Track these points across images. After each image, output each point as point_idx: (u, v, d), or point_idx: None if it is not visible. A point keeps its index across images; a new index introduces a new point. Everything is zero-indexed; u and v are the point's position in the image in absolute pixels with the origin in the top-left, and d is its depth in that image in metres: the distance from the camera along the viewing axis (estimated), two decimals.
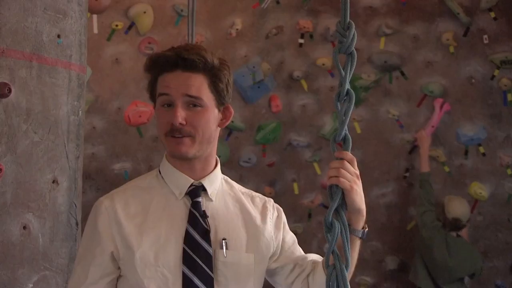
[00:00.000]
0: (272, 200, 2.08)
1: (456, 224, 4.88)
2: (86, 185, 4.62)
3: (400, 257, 5.36)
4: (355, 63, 1.62)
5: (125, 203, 1.89)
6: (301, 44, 5.30)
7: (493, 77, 5.29)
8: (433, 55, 5.33)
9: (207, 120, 1.86)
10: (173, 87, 1.84)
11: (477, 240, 5.26)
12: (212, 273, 1.84)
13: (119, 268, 1.87)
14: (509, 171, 5.30)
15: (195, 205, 1.89)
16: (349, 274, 1.61)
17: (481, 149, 5.33)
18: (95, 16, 4.93)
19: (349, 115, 1.63)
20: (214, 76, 1.88)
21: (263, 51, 5.29)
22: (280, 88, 5.31)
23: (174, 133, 1.83)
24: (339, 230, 1.59)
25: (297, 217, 5.30)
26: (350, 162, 1.70)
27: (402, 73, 5.35)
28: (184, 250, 1.83)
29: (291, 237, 2.06)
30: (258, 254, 1.93)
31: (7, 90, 2.36)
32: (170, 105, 1.85)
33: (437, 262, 4.79)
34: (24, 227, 2.44)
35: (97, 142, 5.05)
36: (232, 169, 5.20)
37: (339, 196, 1.63)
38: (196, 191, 1.91)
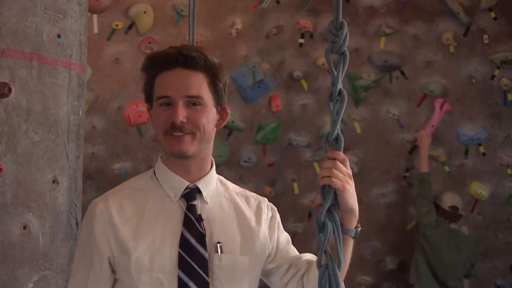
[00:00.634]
0: (266, 200, 2.06)
1: (454, 213, 4.94)
2: (86, 185, 4.62)
3: (400, 257, 5.36)
4: (347, 63, 1.62)
5: (120, 205, 1.87)
6: (301, 44, 5.30)
7: (493, 77, 5.29)
8: (433, 55, 5.33)
9: (207, 118, 1.85)
10: (173, 88, 1.82)
11: (477, 240, 5.26)
12: (208, 277, 1.83)
13: (113, 271, 1.86)
14: (509, 171, 5.31)
15: (191, 209, 1.87)
16: (342, 274, 1.60)
17: (481, 149, 5.33)
18: (95, 16, 4.93)
19: (341, 115, 1.62)
20: (213, 75, 1.87)
21: (263, 51, 5.29)
22: (280, 88, 5.31)
23: (175, 131, 1.81)
24: (332, 229, 1.58)
25: (297, 217, 5.31)
26: (343, 162, 1.68)
27: (402, 73, 5.35)
28: (179, 254, 1.82)
29: (285, 237, 2.05)
30: (253, 256, 1.92)
31: (7, 90, 2.36)
32: (169, 104, 1.83)
33: (444, 260, 4.81)
34: (24, 227, 2.44)
35: (97, 142, 5.05)
36: (232, 169, 5.20)
37: (331, 196, 1.63)
38: (191, 194, 1.89)
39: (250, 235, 1.94)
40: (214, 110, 1.88)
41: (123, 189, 1.95)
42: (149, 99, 1.91)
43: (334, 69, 1.61)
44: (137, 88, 5.12)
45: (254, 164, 5.29)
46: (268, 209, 2.03)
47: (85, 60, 2.78)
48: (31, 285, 2.46)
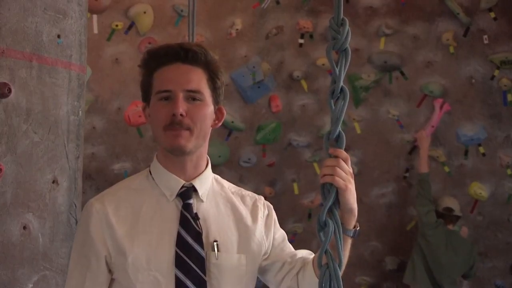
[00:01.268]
0: (262, 198, 2.06)
1: (449, 214, 4.97)
2: (86, 185, 4.62)
3: (400, 257, 5.36)
4: (349, 60, 1.60)
5: (116, 205, 1.87)
6: (301, 44, 5.30)
7: (493, 77, 5.29)
8: (433, 55, 5.33)
9: (205, 115, 1.84)
10: (173, 82, 1.82)
11: (477, 240, 5.27)
12: (205, 276, 1.83)
13: (110, 271, 1.86)
14: (509, 171, 5.31)
15: (187, 207, 1.87)
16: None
17: (481, 149, 5.33)
18: (95, 16, 4.93)
19: (343, 113, 1.60)
20: (212, 72, 1.87)
21: (263, 51, 5.29)
22: (280, 88, 5.31)
23: (174, 125, 1.80)
24: (333, 229, 1.57)
25: (297, 217, 5.31)
26: (345, 161, 1.67)
27: (402, 73, 5.35)
28: (176, 253, 1.82)
29: (281, 234, 2.04)
30: (249, 255, 1.92)
31: (7, 90, 2.36)
32: (168, 98, 1.83)
33: (442, 260, 4.82)
34: (24, 227, 2.44)
35: (97, 142, 5.05)
36: (232, 169, 5.20)
37: (333, 195, 1.62)
38: (187, 193, 1.88)
39: (247, 233, 1.93)
40: (212, 108, 1.88)
41: (119, 189, 1.95)
42: (146, 95, 1.90)
43: (335, 67, 1.60)
44: (137, 88, 5.08)
45: (254, 165, 5.29)
46: (264, 207, 2.02)
47: (85, 60, 2.78)
48: (31, 285, 2.46)
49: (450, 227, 4.99)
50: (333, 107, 1.60)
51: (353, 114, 5.27)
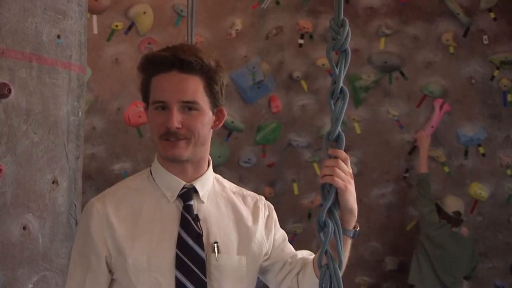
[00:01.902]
0: (263, 198, 2.05)
1: (457, 218, 4.96)
2: (86, 186, 4.62)
3: (400, 257, 5.36)
4: (349, 61, 1.60)
5: (116, 205, 1.87)
6: (301, 45, 5.30)
7: (493, 77, 5.29)
8: (433, 56, 5.33)
9: (202, 123, 1.84)
10: (169, 92, 1.81)
11: (477, 240, 5.27)
12: (205, 277, 1.83)
13: (110, 271, 1.86)
14: (508, 172, 5.31)
15: (187, 209, 1.87)
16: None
17: (481, 150, 5.33)
18: (95, 17, 4.93)
19: (343, 113, 1.60)
20: (210, 78, 1.85)
21: (263, 52, 5.29)
22: (280, 89, 5.32)
23: (169, 136, 1.81)
24: (333, 229, 1.57)
25: (297, 217, 5.31)
26: (344, 161, 1.66)
27: (402, 74, 5.35)
28: (177, 254, 1.82)
29: (281, 235, 2.04)
30: (250, 256, 1.92)
31: (7, 90, 2.36)
32: (164, 108, 1.82)
33: (447, 260, 4.83)
34: (24, 228, 2.44)
35: (97, 142, 5.05)
36: (232, 169, 5.20)
37: (332, 195, 1.62)
38: (188, 194, 1.88)
39: (247, 234, 1.93)
40: (210, 113, 1.87)
41: (120, 189, 1.95)
42: (145, 98, 1.90)
43: (335, 67, 1.60)
44: (137, 89, 5.09)
45: (254, 165, 5.29)
46: (265, 208, 2.02)
47: (85, 60, 2.78)
48: (30, 285, 2.46)
49: (454, 229, 4.97)
50: (333, 107, 1.60)
51: (353, 114, 5.27)
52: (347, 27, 1.59)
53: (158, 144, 1.85)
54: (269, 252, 1.99)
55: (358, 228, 1.77)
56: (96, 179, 5.02)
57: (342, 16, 1.59)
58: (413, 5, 5.32)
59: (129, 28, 5.07)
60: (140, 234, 1.84)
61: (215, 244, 1.86)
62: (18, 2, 2.41)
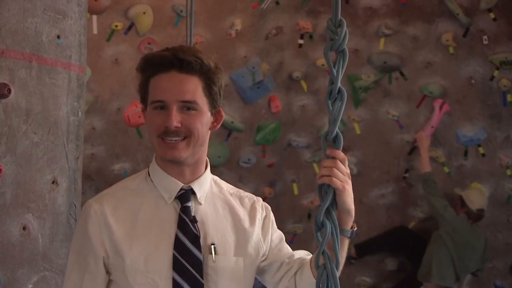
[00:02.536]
0: (260, 200, 2.05)
1: (479, 215, 5.01)
2: (85, 186, 4.62)
3: (400, 257, 5.36)
4: (346, 61, 1.60)
5: (114, 206, 1.87)
6: (300, 45, 5.30)
7: (492, 77, 5.29)
8: (433, 56, 5.33)
9: (201, 123, 1.83)
10: (168, 92, 1.81)
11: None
12: (202, 278, 1.83)
13: (108, 272, 1.86)
14: (508, 172, 5.31)
15: (185, 210, 1.86)
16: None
17: (481, 150, 5.33)
18: (94, 17, 4.93)
19: (341, 113, 1.60)
20: (208, 79, 1.85)
21: (263, 52, 5.29)
22: (280, 89, 5.32)
23: (170, 135, 1.80)
24: (330, 229, 1.58)
25: (297, 217, 5.31)
26: (342, 162, 1.66)
27: (402, 74, 5.35)
28: (174, 256, 1.82)
29: (278, 235, 2.04)
30: (247, 257, 1.92)
31: (7, 90, 2.36)
32: (163, 107, 1.82)
33: (468, 253, 4.91)
34: (24, 228, 2.44)
35: (96, 142, 5.05)
36: (231, 169, 5.20)
37: (330, 195, 1.62)
38: (185, 195, 1.88)
39: (244, 236, 1.93)
40: (209, 114, 1.87)
41: (118, 190, 1.95)
42: (143, 99, 1.90)
43: (333, 67, 1.59)
44: (137, 89, 5.11)
45: (254, 165, 5.29)
46: (262, 209, 2.02)
47: (85, 60, 2.78)
48: (30, 285, 2.46)
49: (473, 224, 5.03)
50: (331, 107, 1.60)
51: (352, 114, 5.27)
52: (345, 27, 1.59)
53: (157, 145, 1.84)
54: (266, 253, 1.99)
55: (356, 228, 1.77)
56: (96, 179, 5.02)
57: (339, 17, 1.59)
58: (413, 5, 5.32)
59: (129, 28, 5.08)
60: (137, 235, 1.84)
61: (212, 246, 1.86)
62: (18, 2, 2.41)
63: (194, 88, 1.82)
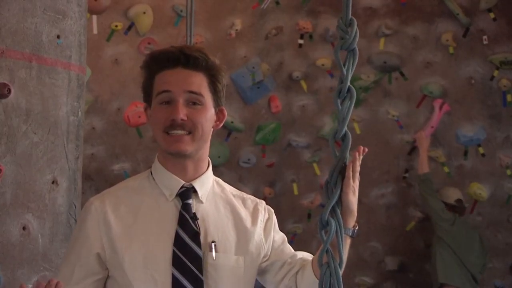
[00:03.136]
0: (263, 202, 2.06)
1: (460, 206, 5.04)
2: (85, 186, 4.62)
3: (400, 257, 5.36)
4: (356, 60, 1.62)
5: (115, 204, 1.88)
6: (300, 45, 5.30)
7: (492, 77, 5.29)
8: (433, 56, 5.33)
9: (206, 118, 1.86)
10: (174, 83, 1.83)
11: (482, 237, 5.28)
12: (202, 275, 1.83)
13: (106, 269, 1.86)
14: (508, 172, 5.31)
15: (186, 207, 1.87)
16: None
17: (481, 150, 5.33)
18: (94, 17, 4.93)
19: (350, 113, 1.62)
20: (213, 76, 1.88)
21: (263, 52, 5.29)
22: (280, 89, 5.32)
23: (176, 128, 1.81)
24: (335, 228, 1.58)
25: (297, 217, 5.30)
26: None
27: (402, 74, 5.35)
28: (173, 252, 1.82)
29: (280, 237, 2.05)
30: (248, 257, 1.92)
31: (7, 90, 2.36)
32: (169, 102, 1.83)
33: (472, 249, 4.92)
34: (24, 228, 2.44)
35: (96, 142, 5.05)
36: (231, 169, 5.20)
37: (337, 194, 1.63)
38: (186, 193, 1.89)
39: (246, 236, 1.94)
40: (213, 111, 1.89)
41: (119, 189, 1.96)
42: (148, 97, 1.91)
43: (343, 66, 1.61)
44: (137, 89, 5.09)
45: (254, 165, 5.29)
46: (265, 211, 2.03)
47: (85, 60, 2.78)
48: (30, 285, 2.46)
49: (461, 218, 5.07)
50: (340, 106, 1.62)
51: (352, 114, 5.25)
52: (355, 26, 1.61)
53: (162, 139, 1.85)
54: (268, 253, 1.99)
55: (357, 227, 1.79)
56: (96, 179, 5.02)
57: (350, 16, 1.61)
58: (412, 5, 5.32)
59: (129, 28, 5.08)
60: (137, 231, 1.85)
61: (213, 243, 1.87)
62: (18, 2, 2.41)
63: (199, 82, 1.85)
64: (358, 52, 1.61)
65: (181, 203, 1.88)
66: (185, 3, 3.76)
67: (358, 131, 5.33)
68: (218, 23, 5.21)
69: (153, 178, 1.93)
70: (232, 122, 5.17)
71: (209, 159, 1.97)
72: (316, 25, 5.29)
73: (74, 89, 2.66)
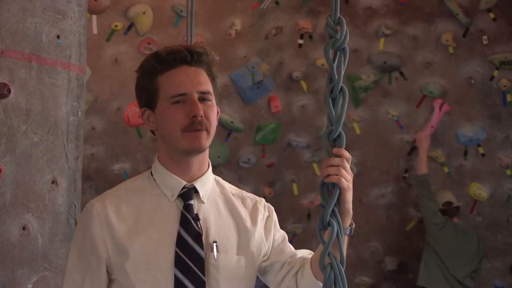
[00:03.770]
0: (263, 200, 2.05)
1: (450, 208, 5.04)
2: (85, 186, 4.62)
3: (400, 257, 5.36)
4: (347, 59, 1.60)
5: (117, 206, 1.87)
6: (300, 45, 5.31)
7: (492, 77, 5.29)
8: (433, 56, 5.34)
9: (215, 114, 1.88)
10: (187, 84, 1.84)
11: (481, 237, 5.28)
12: (204, 276, 1.83)
13: (110, 273, 1.86)
14: (508, 172, 5.31)
15: (188, 208, 1.87)
16: None
17: (481, 150, 5.33)
18: (94, 17, 4.93)
19: (344, 112, 1.59)
20: (213, 72, 1.90)
21: (263, 52, 5.29)
22: (280, 89, 5.32)
23: (196, 126, 1.82)
24: (337, 229, 1.57)
25: (297, 217, 5.31)
26: (348, 161, 1.68)
27: (402, 74, 5.35)
28: (176, 253, 1.82)
29: (281, 235, 2.04)
30: (249, 256, 1.92)
31: (7, 90, 2.36)
32: (183, 101, 1.84)
33: (458, 255, 4.89)
34: (24, 228, 2.44)
35: (96, 142, 5.05)
36: (231, 169, 5.20)
37: (337, 195, 1.62)
38: (188, 194, 1.89)
39: (246, 235, 1.94)
40: (216, 107, 1.91)
41: (120, 190, 1.96)
42: (151, 100, 1.91)
43: (333, 65, 1.59)
44: None
45: (254, 165, 5.29)
46: (265, 209, 2.03)
47: (85, 60, 2.78)
48: (30, 285, 2.46)
49: (456, 220, 5.04)
50: (331, 106, 1.59)
51: (352, 114, 5.27)
52: (344, 25, 1.60)
53: (180, 139, 1.84)
54: (268, 252, 1.99)
55: (354, 225, 1.78)
56: (96, 180, 5.02)
57: (338, 14, 1.59)
58: (412, 5, 5.32)
59: (129, 28, 5.08)
60: (139, 233, 1.84)
61: (214, 244, 1.87)
62: (18, 3, 2.41)
63: (205, 79, 1.87)
64: (348, 51, 1.59)
65: (183, 204, 1.88)
66: (185, 3, 3.76)
67: (358, 131, 5.33)
68: (218, 23, 5.21)
69: (154, 179, 1.92)
70: (232, 122, 5.18)
71: (209, 159, 1.98)
72: (316, 25, 5.29)
73: (74, 89, 2.66)
